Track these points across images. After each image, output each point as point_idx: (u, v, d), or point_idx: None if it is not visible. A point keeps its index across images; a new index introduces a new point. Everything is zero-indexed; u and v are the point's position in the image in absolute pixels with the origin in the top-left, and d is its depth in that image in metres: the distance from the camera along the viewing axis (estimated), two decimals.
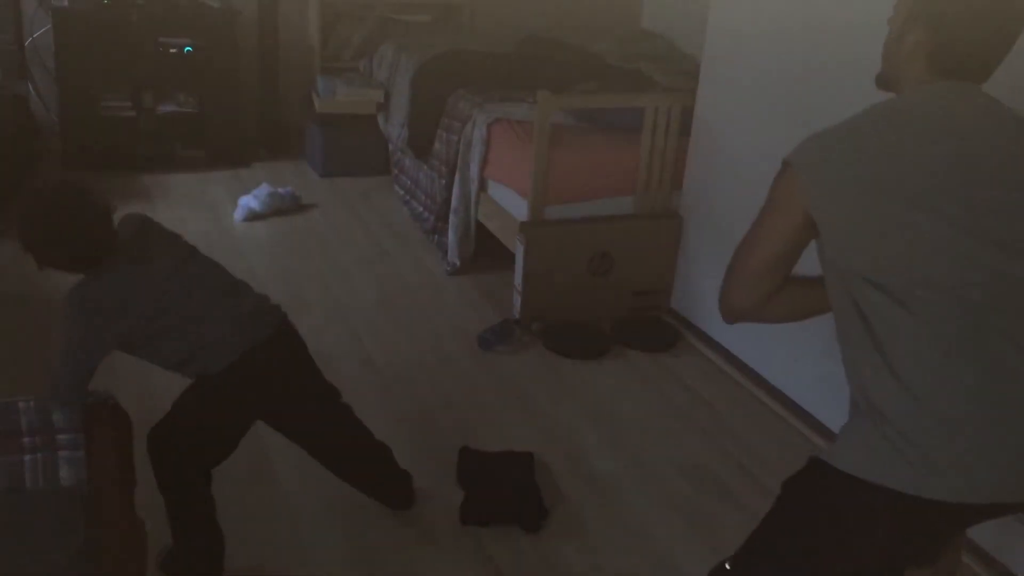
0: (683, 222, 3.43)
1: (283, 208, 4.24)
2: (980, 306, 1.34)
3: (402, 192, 4.42)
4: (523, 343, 3.28)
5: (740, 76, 3.09)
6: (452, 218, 3.79)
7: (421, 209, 4.17)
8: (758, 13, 2.98)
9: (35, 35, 4.54)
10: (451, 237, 3.79)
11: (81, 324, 1.87)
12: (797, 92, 2.82)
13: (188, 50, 4.47)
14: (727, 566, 1.59)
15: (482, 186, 3.68)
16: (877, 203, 1.36)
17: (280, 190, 4.26)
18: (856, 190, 1.38)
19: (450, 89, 3.96)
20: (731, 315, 1.58)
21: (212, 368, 1.97)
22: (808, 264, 1.51)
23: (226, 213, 4.19)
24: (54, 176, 3.97)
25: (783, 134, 2.87)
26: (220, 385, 1.98)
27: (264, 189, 4.23)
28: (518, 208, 3.40)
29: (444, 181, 3.87)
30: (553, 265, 3.34)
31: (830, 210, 1.39)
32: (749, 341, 3.14)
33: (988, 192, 1.36)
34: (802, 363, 2.87)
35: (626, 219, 3.42)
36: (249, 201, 4.17)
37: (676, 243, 3.45)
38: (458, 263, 3.77)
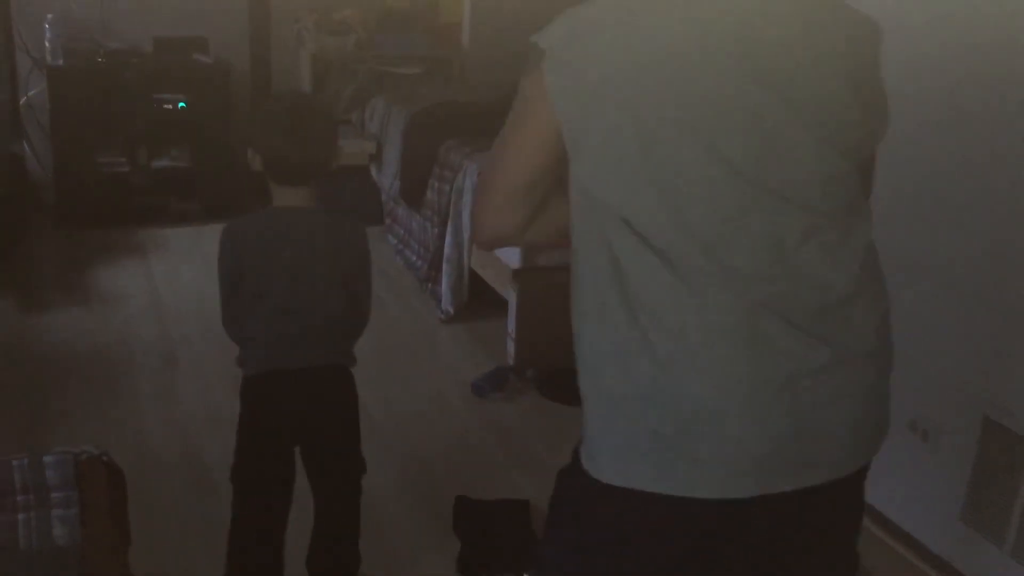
0: None
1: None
2: (748, 275, 1.15)
3: (395, 241, 4.45)
4: (518, 390, 3.28)
5: None
6: (445, 266, 3.81)
7: (414, 258, 4.20)
8: None
9: (30, 94, 4.59)
10: (444, 285, 3.81)
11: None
12: None
13: (182, 106, 4.52)
14: None
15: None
16: (637, 119, 1.13)
17: None
18: (613, 96, 1.13)
19: (441, 140, 4.01)
20: (487, 242, 1.41)
21: (247, 368, 2.03)
22: None
23: None
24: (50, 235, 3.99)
25: None
26: (247, 390, 2.05)
27: None
28: (511, 255, 3.42)
29: (437, 230, 3.90)
30: (547, 311, 3.35)
31: (577, 121, 1.16)
32: None
33: (776, 115, 1.13)
34: None
35: None
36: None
37: None
38: (452, 311, 3.79)
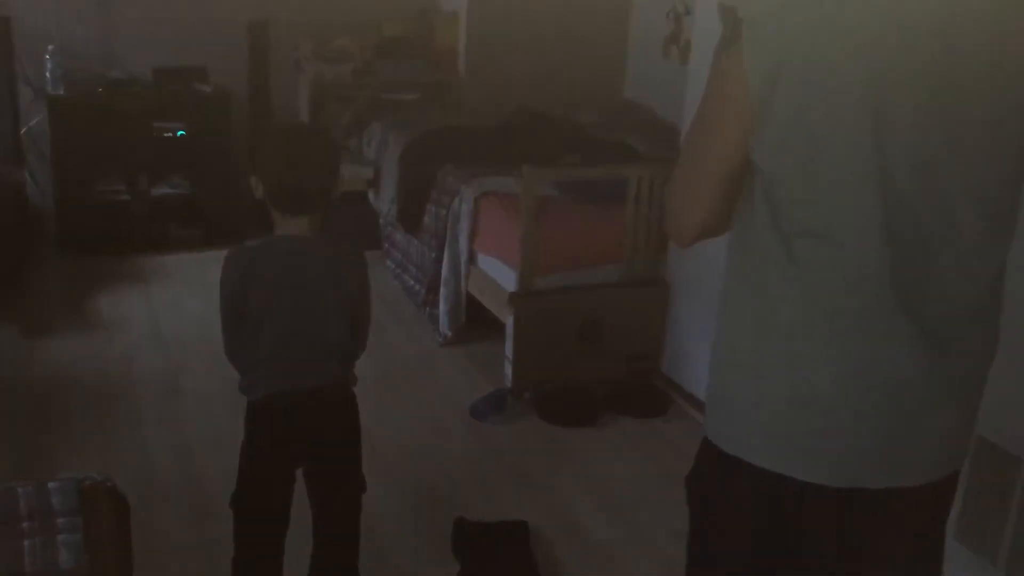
0: (670, 288, 3.49)
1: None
2: (884, 279, 1.21)
3: (393, 266, 4.49)
4: (516, 412, 3.31)
5: None
6: (443, 290, 3.84)
7: (412, 282, 4.23)
8: None
9: (31, 123, 4.65)
10: (442, 309, 3.84)
11: None
12: None
13: (181, 134, 4.58)
14: None
15: (472, 259, 3.75)
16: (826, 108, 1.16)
17: None
18: (813, 83, 1.15)
19: (438, 165, 4.06)
20: (687, 239, 1.40)
21: (250, 393, 2.06)
22: None
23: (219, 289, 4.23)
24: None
25: None
26: (252, 415, 2.08)
27: None
28: (507, 279, 3.46)
29: (434, 255, 3.94)
30: (544, 334, 3.39)
31: (768, 102, 1.17)
32: None
33: (960, 123, 1.16)
34: None
35: (614, 287, 3.49)
36: None
37: (664, 309, 3.51)
38: (450, 334, 3.82)
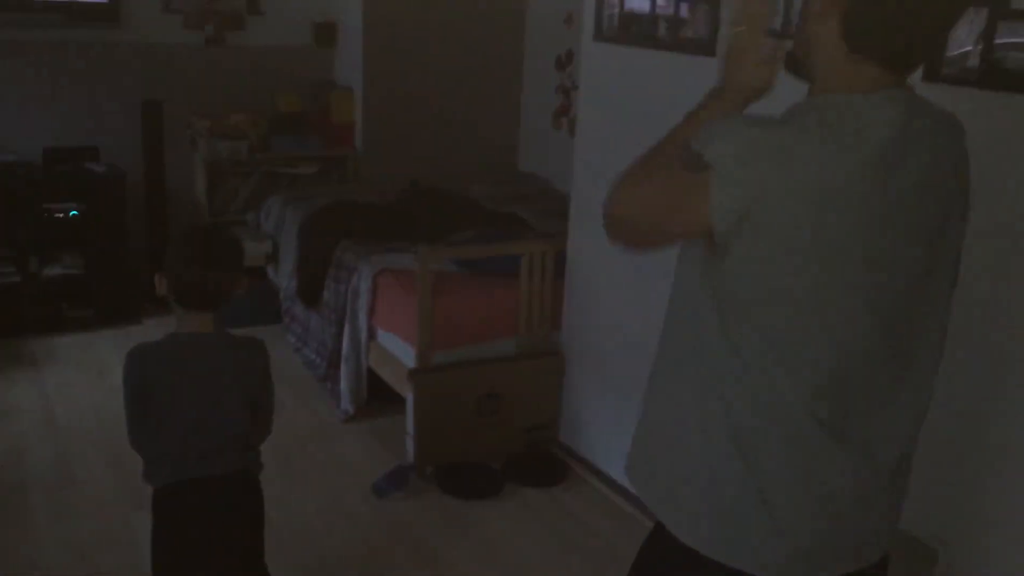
0: (564, 359, 3.61)
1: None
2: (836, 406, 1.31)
3: (294, 340, 4.50)
4: (418, 487, 3.36)
5: None
6: (344, 366, 3.88)
7: (313, 356, 4.25)
8: (620, 155, 3.24)
9: None
10: (343, 385, 3.87)
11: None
12: None
13: (74, 214, 4.52)
14: None
15: (371, 334, 3.80)
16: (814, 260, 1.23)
17: None
18: (785, 233, 1.23)
19: (336, 239, 4.11)
20: (621, 244, 1.49)
21: (154, 480, 2.09)
22: None
23: (115, 372, 4.15)
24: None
25: (650, 271, 3.10)
26: (156, 503, 2.10)
27: None
28: (406, 355, 3.53)
29: (335, 329, 3.97)
30: (444, 408, 3.46)
31: (739, 246, 1.24)
32: None
33: (922, 270, 1.30)
34: None
35: (510, 359, 3.59)
36: None
37: (559, 379, 3.62)
38: (351, 410, 3.85)
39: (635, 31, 3.12)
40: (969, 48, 2.04)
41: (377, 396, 3.86)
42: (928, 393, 1.40)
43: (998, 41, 2.00)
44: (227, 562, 2.14)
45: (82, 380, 4.11)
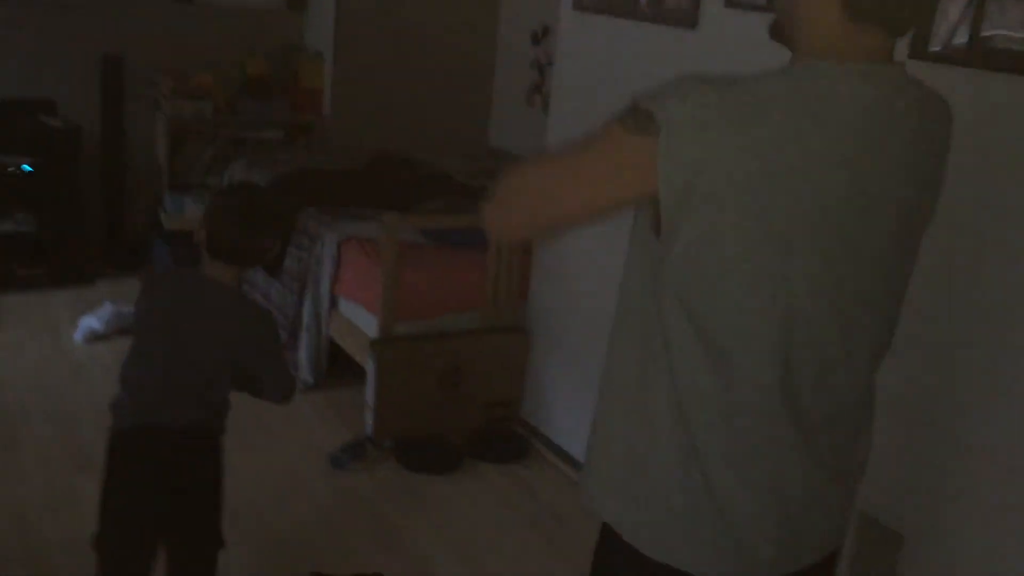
0: (530, 335, 3.55)
1: (127, 328, 4.14)
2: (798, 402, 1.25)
3: None
4: (376, 460, 3.29)
5: None
6: (304, 335, 3.79)
7: None
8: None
9: None
10: (303, 354, 3.79)
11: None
12: (629, 212, 3.02)
13: (26, 169, 4.37)
14: None
15: (333, 303, 3.72)
16: (765, 227, 1.15)
17: (124, 309, 4.16)
18: (733, 202, 1.14)
19: (299, 207, 4.02)
20: (501, 239, 1.45)
21: (116, 422, 2.05)
22: None
23: (67, 333, 4.05)
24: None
25: (619, 249, 3.06)
26: (112, 446, 2.05)
27: (107, 308, 4.12)
28: (369, 325, 3.45)
29: (295, 298, 3.88)
30: (405, 381, 3.39)
31: (685, 212, 1.15)
32: None
33: (873, 245, 1.22)
34: None
35: (474, 333, 3.52)
36: (91, 321, 4.06)
37: (524, 356, 3.57)
38: (311, 380, 3.76)
39: (615, 2, 3.06)
40: (957, 26, 2.01)
41: (337, 367, 3.78)
42: (871, 383, 1.35)
43: (987, 22, 1.97)
44: (175, 518, 2.06)
45: (31, 340, 3.98)
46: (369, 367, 3.37)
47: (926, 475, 2.23)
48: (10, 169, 4.35)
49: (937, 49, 2.04)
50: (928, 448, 2.22)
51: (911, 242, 1.30)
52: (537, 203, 1.30)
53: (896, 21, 1.20)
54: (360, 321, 3.54)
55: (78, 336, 4.01)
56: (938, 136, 1.28)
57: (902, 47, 1.97)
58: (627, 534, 1.33)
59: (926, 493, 2.23)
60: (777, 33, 1.28)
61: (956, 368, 2.14)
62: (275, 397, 2.21)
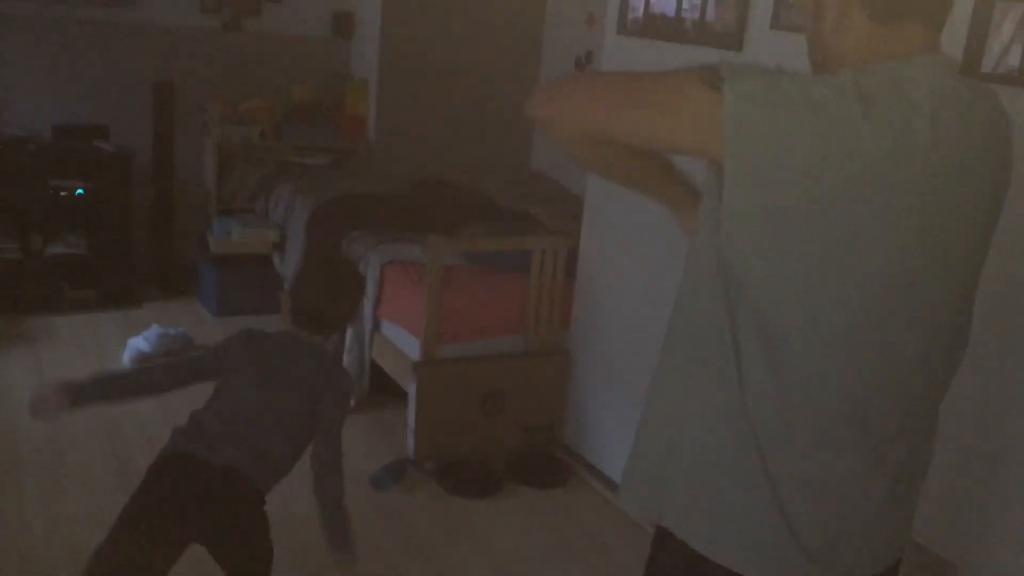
0: (572, 359, 3.54)
1: (174, 349, 4.20)
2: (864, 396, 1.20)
3: None
4: (417, 482, 3.28)
5: (620, 218, 3.27)
6: (346, 357, 3.81)
7: None
8: None
9: None
10: None
11: None
12: (675, 232, 2.99)
13: (80, 192, 4.47)
14: None
15: (376, 326, 3.73)
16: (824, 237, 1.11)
17: (171, 331, 4.22)
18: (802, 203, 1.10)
19: (344, 231, 4.05)
20: (538, 121, 1.32)
21: (167, 447, 2.11)
22: None
23: (114, 355, 4.12)
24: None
25: (662, 274, 3.04)
26: (154, 464, 2.09)
27: (155, 330, 4.18)
28: (411, 347, 3.46)
29: None
30: (446, 403, 3.39)
31: (745, 192, 1.12)
32: None
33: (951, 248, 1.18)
34: None
35: (516, 357, 3.51)
36: (139, 342, 4.12)
37: (566, 379, 3.55)
38: (352, 402, 3.77)
39: (660, 26, 3.06)
40: (1010, 45, 1.97)
41: (379, 389, 3.79)
42: (939, 396, 1.31)
43: None
44: (220, 556, 2.08)
45: (79, 361, 4.04)
46: (411, 389, 3.38)
47: (980, 503, 2.17)
48: (63, 193, 4.45)
49: (989, 69, 2.01)
50: (983, 476, 2.16)
51: (984, 244, 1.25)
52: (592, 105, 1.25)
53: (925, 12, 1.17)
54: (402, 343, 3.55)
55: (126, 357, 4.07)
56: (1003, 130, 1.23)
57: None
58: (683, 534, 1.29)
59: (980, 523, 2.17)
60: (816, 67, 1.25)
61: (1016, 396, 2.08)
62: (325, 455, 2.23)
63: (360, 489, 3.22)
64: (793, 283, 1.14)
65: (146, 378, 2.21)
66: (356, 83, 5.20)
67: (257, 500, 2.12)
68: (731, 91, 1.11)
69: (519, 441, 3.52)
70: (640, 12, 3.13)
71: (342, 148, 5.18)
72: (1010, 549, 2.10)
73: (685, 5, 2.96)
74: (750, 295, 1.16)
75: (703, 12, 2.88)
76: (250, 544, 2.12)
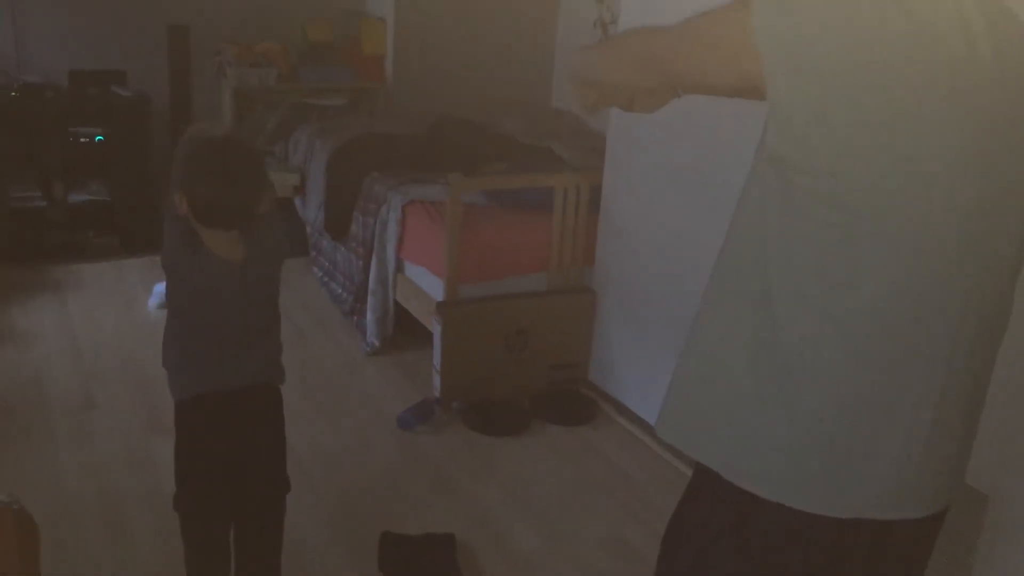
0: (596, 296, 3.51)
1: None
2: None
3: (320, 273, 4.43)
4: (443, 422, 3.29)
5: (643, 154, 3.21)
6: (370, 299, 3.81)
7: (340, 290, 4.18)
8: None
9: None
10: (369, 318, 3.80)
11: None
12: (699, 168, 2.94)
13: (99, 139, 4.45)
14: None
15: (399, 267, 3.72)
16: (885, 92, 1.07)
17: None
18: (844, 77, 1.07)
19: (365, 172, 4.02)
20: (577, 77, 1.40)
21: (179, 393, 2.03)
22: None
23: (140, 301, 4.14)
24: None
25: (686, 209, 2.99)
26: (180, 415, 2.05)
27: None
28: (434, 288, 3.44)
29: (361, 262, 3.90)
30: (471, 343, 3.38)
31: (794, 89, 1.10)
32: None
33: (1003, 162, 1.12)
34: None
35: (540, 295, 3.49)
36: (164, 288, 4.13)
37: (590, 317, 3.53)
38: (377, 343, 3.78)
39: None
40: None
41: (403, 330, 3.79)
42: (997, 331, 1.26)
43: None
44: (250, 473, 2.10)
45: (106, 305, 4.07)
46: (435, 330, 3.37)
47: (1013, 434, 2.14)
48: (83, 139, 4.44)
49: None
50: (1016, 407, 2.12)
51: None
52: (631, 51, 1.33)
53: None
54: (425, 284, 3.53)
55: (152, 303, 4.09)
56: None
57: None
58: (728, 473, 1.26)
59: (1014, 454, 2.14)
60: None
61: None
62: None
63: (387, 430, 3.24)
64: (862, 150, 1.10)
65: None
66: (372, 22, 5.11)
67: (278, 397, 2.13)
68: (757, 4, 1.12)
69: (545, 379, 3.52)
70: None
71: (360, 88, 5.11)
72: None
73: None
74: (814, 183, 1.12)
75: None
76: (277, 457, 2.14)
